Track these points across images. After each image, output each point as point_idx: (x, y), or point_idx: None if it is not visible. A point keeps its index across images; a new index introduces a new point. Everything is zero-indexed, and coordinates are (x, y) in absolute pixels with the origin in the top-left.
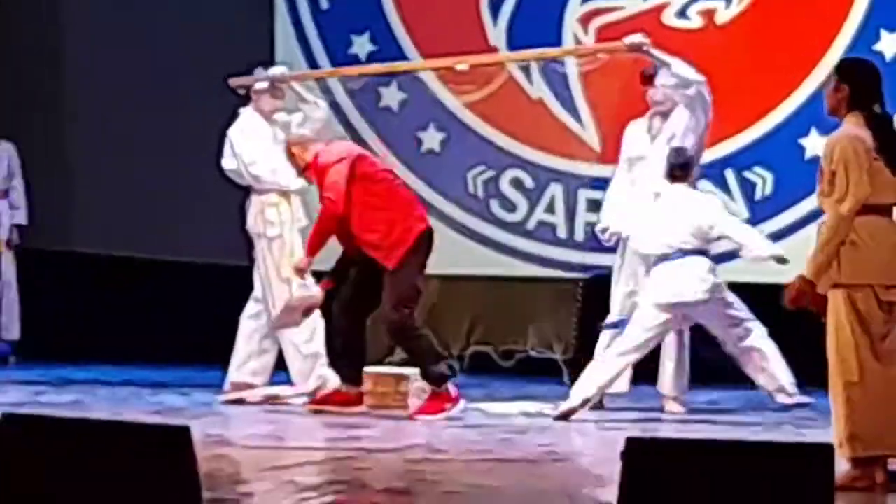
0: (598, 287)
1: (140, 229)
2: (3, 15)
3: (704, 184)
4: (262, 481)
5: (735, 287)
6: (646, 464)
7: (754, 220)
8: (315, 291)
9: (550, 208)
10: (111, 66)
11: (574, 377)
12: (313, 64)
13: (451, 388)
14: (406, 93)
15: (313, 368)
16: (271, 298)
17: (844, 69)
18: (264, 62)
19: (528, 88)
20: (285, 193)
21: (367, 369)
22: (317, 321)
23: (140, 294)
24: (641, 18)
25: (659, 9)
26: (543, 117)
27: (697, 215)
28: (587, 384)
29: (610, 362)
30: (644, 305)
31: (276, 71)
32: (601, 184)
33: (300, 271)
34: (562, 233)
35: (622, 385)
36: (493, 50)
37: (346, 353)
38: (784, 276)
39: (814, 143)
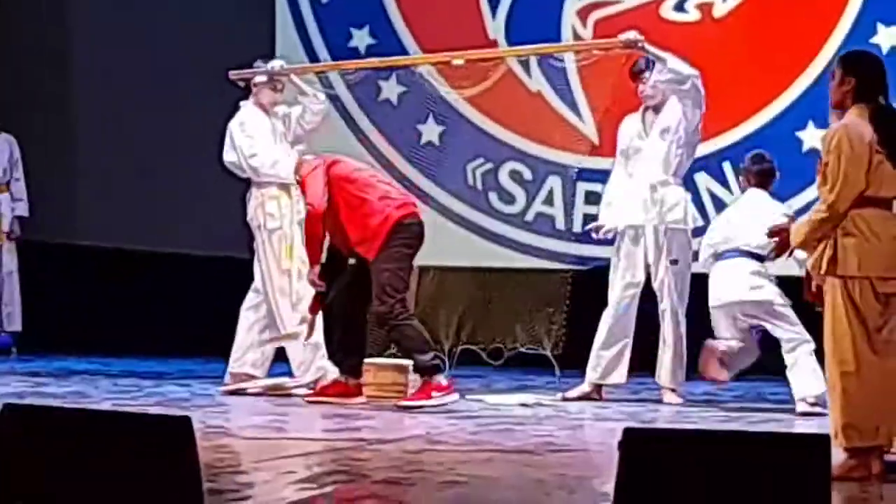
0: (586, 280)
1: (141, 221)
2: (6, 12)
3: (702, 176)
4: (262, 472)
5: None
6: (643, 454)
7: None
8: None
9: (549, 200)
10: (113, 59)
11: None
12: (313, 57)
13: (442, 378)
14: (405, 86)
15: (313, 359)
16: (271, 290)
17: (850, 61)
18: (264, 56)
19: (526, 81)
20: (285, 186)
21: (368, 360)
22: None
23: (141, 286)
24: (639, 11)
25: (657, 2)
26: (542, 110)
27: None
28: None
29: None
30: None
31: (275, 64)
32: (600, 176)
33: (314, 284)
34: (560, 224)
35: (620, 376)
36: (493, 43)
37: (345, 344)
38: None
39: (811, 136)
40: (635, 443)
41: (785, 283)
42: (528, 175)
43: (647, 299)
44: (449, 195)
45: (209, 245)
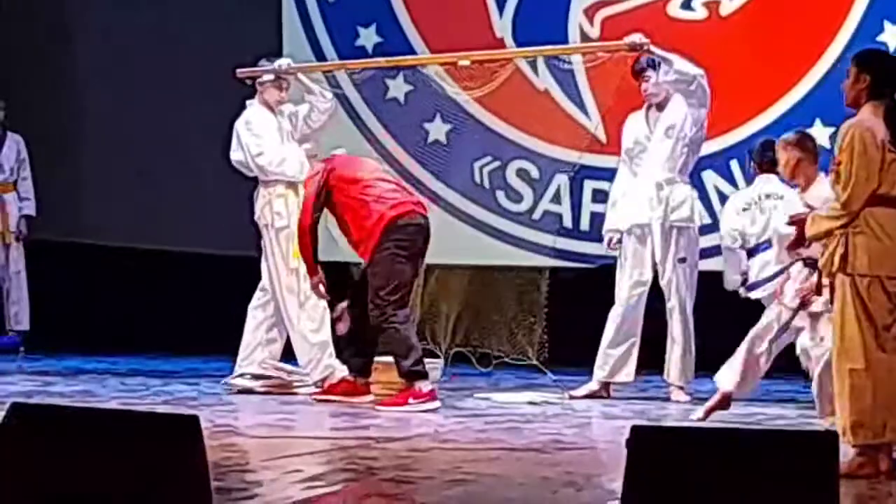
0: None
1: (148, 220)
2: (10, 9)
3: (709, 174)
4: (270, 470)
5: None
6: (652, 452)
7: None
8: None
9: (556, 198)
10: (119, 59)
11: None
12: (320, 56)
13: (424, 384)
14: (412, 84)
15: (321, 358)
16: (279, 289)
17: (865, 59)
18: (271, 54)
19: (534, 80)
20: (292, 184)
21: (377, 359)
22: (324, 311)
23: (148, 285)
24: (647, 10)
25: (664, 0)
26: (550, 108)
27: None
28: None
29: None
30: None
31: (282, 62)
32: (607, 174)
33: (317, 293)
34: (568, 222)
35: (628, 374)
36: (499, 41)
37: (354, 343)
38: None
39: (818, 134)
40: (643, 441)
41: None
42: (535, 173)
43: (655, 297)
44: (456, 193)
45: (217, 244)
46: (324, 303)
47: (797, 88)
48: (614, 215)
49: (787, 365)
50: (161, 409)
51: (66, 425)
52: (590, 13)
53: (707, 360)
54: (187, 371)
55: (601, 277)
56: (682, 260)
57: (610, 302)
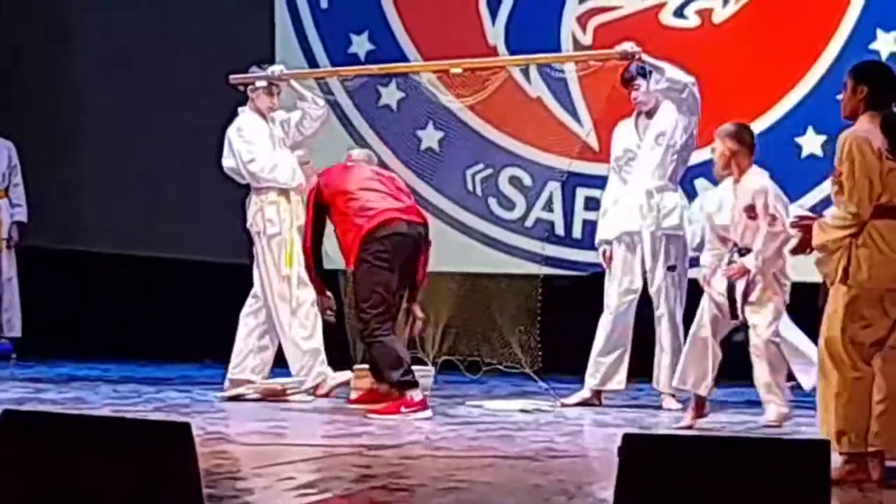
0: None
1: (141, 227)
2: (4, 16)
3: (701, 182)
4: (262, 478)
5: None
6: (643, 460)
7: None
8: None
9: (549, 206)
10: (112, 65)
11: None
12: (313, 63)
13: (416, 393)
14: (405, 92)
15: (313, 365)
16: (271, 296)
17: (860, 71)
18: (264, 61)
19: (526, 87)
20: (284, 192)
21: (358, 367)
22: (316, 318)
23: (140, 291)
24: (639, 18)
25: (657, 8)
26: (542, 116)
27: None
28: None
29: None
30: None
31: (275, 69)
32: (599, 182)
33: (325, 317)
34: (560, 230)
35: (619, 382)
36: (492, 49)
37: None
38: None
39: (810, 142)
40: (635, 448)
41: (802, 288)
42: (527, 181)
43: (645, 305)
44: (449, 201)
45: (209, 251)
46: (316, 310)
47: (790, 96)
48: (605, 224)
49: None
50: (153, 416)
51: (58, 432)
52: (582, 21)
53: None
54: (179, 378)
55: (594, 285)
56: (672, 268)
57: (602, 310)
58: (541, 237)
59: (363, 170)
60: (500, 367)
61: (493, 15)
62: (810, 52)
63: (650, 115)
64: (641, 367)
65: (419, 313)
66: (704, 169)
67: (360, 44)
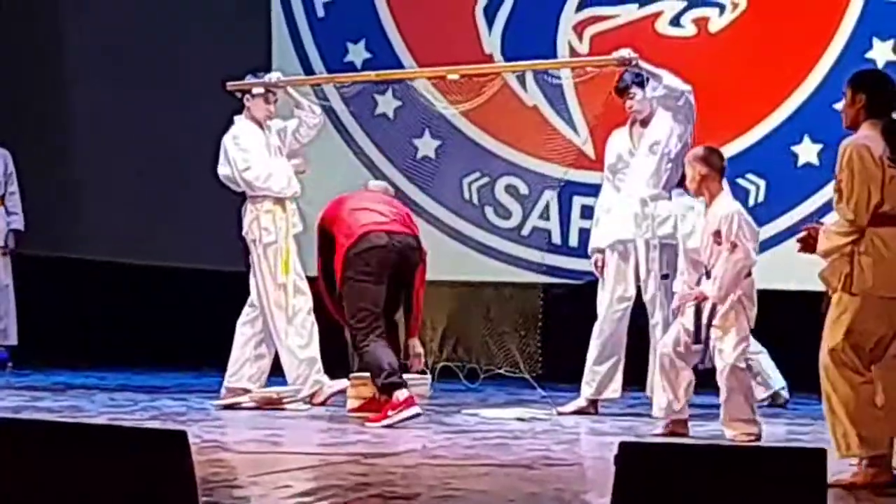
0: (566, 295)
1: (137, 235)
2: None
3: None
4: (258, 486)
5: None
6: (639, 468)
7: None
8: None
9: (545, 215)
10: (108, 74)
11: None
12: (309, 72)
13: (400, 393)
14: (401, 100)
15: (309, 374)
16: (267, 305)
17: (859, 79)
18: (260, 69)
19: (522, 96)
20: (280, 200)
21: (353, 375)
22: (313, 326)
23: (137, 300)
24: (636, 26)
25: (653, 17)
26: (538, 124)
27: None
28: None
29: None
30: None
31: (272, 75)
32: (595, 191)
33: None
34: (556, 239)
35: (614, 391)
36: (488, 58)
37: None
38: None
39: (806, 151)
40: (631, 457)
41: (806, 296)
42: (524, 189)
43: (639, 314)
44: (445, 209)
45: (205, 259)
46: (312, 318)
47: (786, 105)
48: (598, 232)
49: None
50: (149, 424)
51: (54, 441)
52: (579, 30)
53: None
54: (176, 386)
55: (591, 293)
56: (666, 276)
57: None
58: (540, 247)
59: (367, 194)
60: (500, 370)
61: (490, 24)
62: (806, 61)
63: (645, 123)
64: (638, 376)
65: (419, 348)
66: None
67: (357, 52)
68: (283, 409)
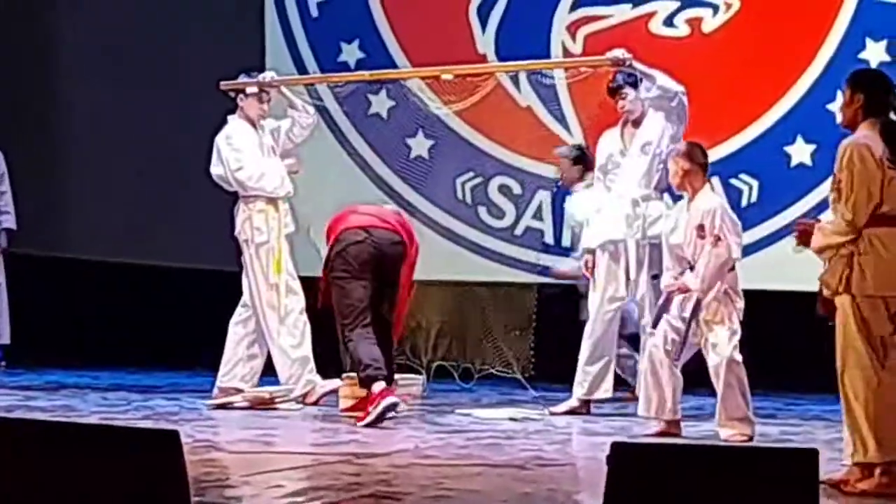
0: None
1: (130, 234)
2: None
3: None
4: (251, 485)
5: (767, 295)
6: (631, 469)
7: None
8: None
9: (538, 215)
10: (101, 73)
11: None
12: (303, 72)
13: (376, 385)
14: (395, 100)
15: (302, 374)
16: (260, 304)
17: (857, 79)
18: (254, 69)
19: (516, 96)
20: (273, 200)
21: (346, 374)
22: (305, 326)
23: (130, 299)
24: (629, 27)
25: (646, 17)
26: (532, 125)
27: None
28: None
29: None
30: None
31: (266, 75)
32: None
33: None
34: (549, 239)
35: (606, 391)
36: (482, 58)
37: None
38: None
39: (799, 151)
40: (624, 457)
41: (799, 297)
42: (517, 189)
43: None
44: (438, 209)
45: (198, 258)
46: (304, 318)
47: (779, 105)
48: (588, 232)
49: (768, 381)
50: (141, 423)
51: (47, 440)
52: (572, 30)
53: (687, 378)
54: (168, 386)
55: (583, 293)
56: (656, 277)
57: None
58: (534, 247)
59: (357, 208)
60: (493, 370)
61: (483, 24)
62: (800, 62)
63: (636, 123)
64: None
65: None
66: None
67: (351, 52)
68: (275, 409)
